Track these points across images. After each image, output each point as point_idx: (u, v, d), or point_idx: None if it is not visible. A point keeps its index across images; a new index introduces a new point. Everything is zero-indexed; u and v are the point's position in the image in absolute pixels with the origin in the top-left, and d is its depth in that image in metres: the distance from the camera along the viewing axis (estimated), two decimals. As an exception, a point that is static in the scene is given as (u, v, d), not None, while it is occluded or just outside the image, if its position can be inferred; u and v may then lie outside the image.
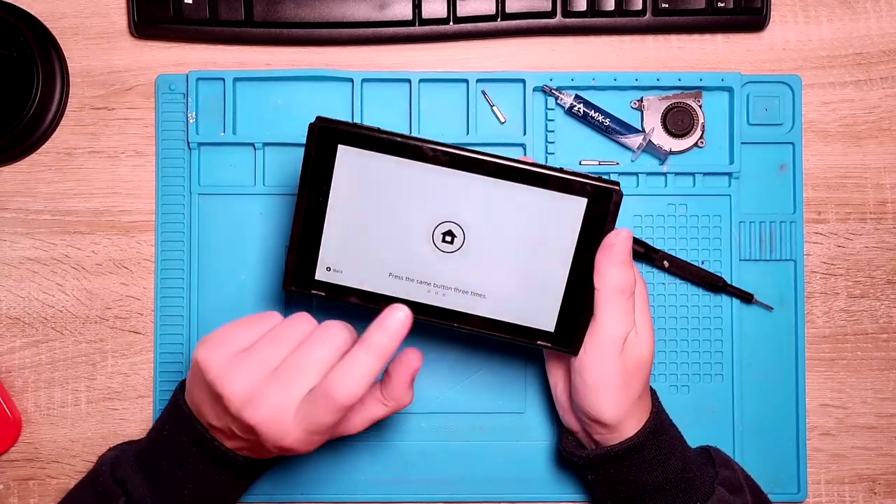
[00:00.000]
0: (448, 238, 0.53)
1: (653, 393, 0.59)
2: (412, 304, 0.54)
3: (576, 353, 0.55)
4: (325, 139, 0.52)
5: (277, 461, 0.57)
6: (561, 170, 0.52)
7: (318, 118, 0.52)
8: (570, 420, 0.60)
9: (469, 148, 0.52)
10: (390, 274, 0.54)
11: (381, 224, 0.53)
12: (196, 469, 0.54)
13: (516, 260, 0.54)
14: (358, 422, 0.53)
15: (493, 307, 0.55)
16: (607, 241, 0.53)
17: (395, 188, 0.53)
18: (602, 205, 0.52)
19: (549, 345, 0.55)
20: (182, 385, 0.56)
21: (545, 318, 0.55)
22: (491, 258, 0.54)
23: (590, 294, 0.54)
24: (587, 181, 0.52)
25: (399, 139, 0.52)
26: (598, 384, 0.54)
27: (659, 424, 0.57)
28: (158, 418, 0.57)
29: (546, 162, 0.65)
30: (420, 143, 0.52)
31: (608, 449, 0.56)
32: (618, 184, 0.52)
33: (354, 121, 0.53)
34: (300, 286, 0.55)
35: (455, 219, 0.53)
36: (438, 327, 0.55)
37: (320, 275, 0.55)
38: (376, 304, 0.54)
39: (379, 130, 0.52)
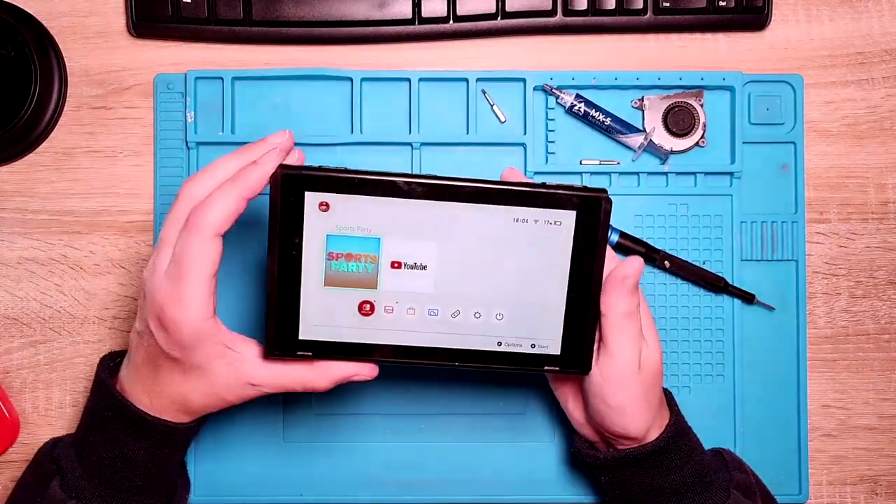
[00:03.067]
0: (439, 275, 0.51)
1: (670, 395, 0.59)
2: (410, 350, 0.51)
3: (586, 372, 0.53)
4: (290, 187, 0.49)
5: (196, 429, 0.56)
6: (543, 185, 0.50)
7: (281, 166, 0.49)
8: (587, 432, 0.59)
9: (443, 176, 0.49)
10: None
11: None
12: (111, 435, 0.53)
13: (511, 285, 0.51)
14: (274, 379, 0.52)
15: (493, 340, 0.52)
16: (619, 273, 0.52)
17: (373, 229, 0.50)
18: (592, 215, 0.50)
19: (557, 369, 0.53)
20: (103, 358, 0.57)
21: (549, 341, 0.52)
22: (484, 288, 0.51)
23: (594, 311, 0.52)
24: (573, 192, 0.50)
25: (369, 177, 0.49)
26: (623, 405, 0.54)
27: (680, 428, 0.56)
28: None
29: (546, 162, 0.65)
30: (393, 178, 0.49)
31: (626, 452, 0.55)
32: (605, 191, 0.50)
33: (319, 164, 0.51)
34: (284, 350, 0.51)
35: (441, 252, 0.50)
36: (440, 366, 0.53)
37: (305, 333, 0.51)
38: (371, 356, 0.52)
39: (346, 171, 0.49)
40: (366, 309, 0.51)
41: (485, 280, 0.51)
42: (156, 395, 0.53)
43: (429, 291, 0.51)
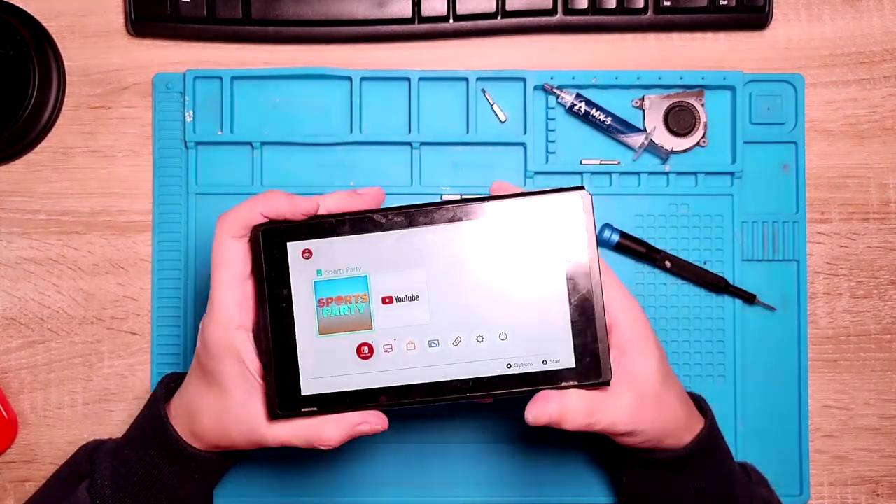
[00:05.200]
0: (433, 303, 0.50)
1: (702, 400, 0.58)
2: (417, 389, 0.50)
3: (608, 382, 0.50)
4: (271, 241, 0.49)
5: (230, 465, 0.56)
6: (521, 193, 0.50)
7: (256, 226, 0.49)
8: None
9: (415, 204, 0.49)
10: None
11: None
12: (147, 453, 0.54)
13: (509, 301, 0.50)
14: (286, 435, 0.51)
15: (501, 363, 0.50)
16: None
17: (358, 267, 0.50)
18: (572, 213, 0.49)
19: (576, 383, 0.50)
20: (164, 377, 0.57)
21: (560, 354, 0.50)
22: (481, 308, 0.50)
23: (601, 314, 0.49)
24: (547, 194, 0.49)
25: (346, 217, 0.49)
26: (663, 427, 0.52)
27: (713, 434, 0.55)
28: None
29: (546, 162, 0.65)
30: (369, 215, 0.49)
31: (657, 455, 0.54)
32: (582, 187, 0.49)
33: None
34: (288, 409, 0.50)
35: (430, 278, 0.50)
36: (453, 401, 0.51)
37: (307, 388, 0.50)
38: (377, 401, 0.50)
39: (322, 216, 0.50)
40: (364, 352, 0.50)
41: (480, 300, 0.50)
42: (178, 398, 0.54)
43: (425, 322, 0.50)
